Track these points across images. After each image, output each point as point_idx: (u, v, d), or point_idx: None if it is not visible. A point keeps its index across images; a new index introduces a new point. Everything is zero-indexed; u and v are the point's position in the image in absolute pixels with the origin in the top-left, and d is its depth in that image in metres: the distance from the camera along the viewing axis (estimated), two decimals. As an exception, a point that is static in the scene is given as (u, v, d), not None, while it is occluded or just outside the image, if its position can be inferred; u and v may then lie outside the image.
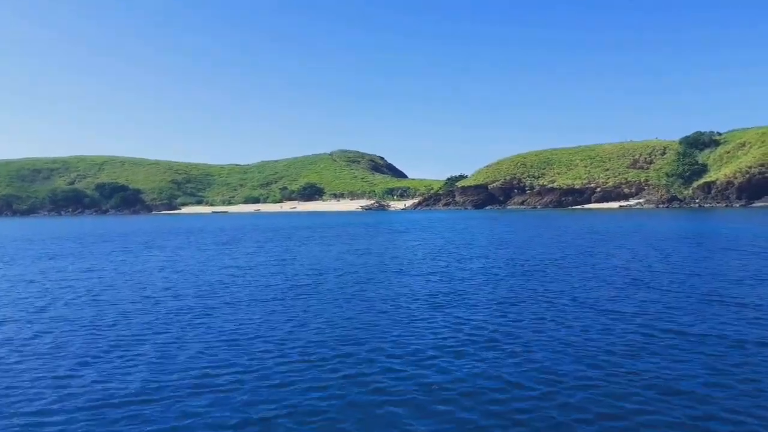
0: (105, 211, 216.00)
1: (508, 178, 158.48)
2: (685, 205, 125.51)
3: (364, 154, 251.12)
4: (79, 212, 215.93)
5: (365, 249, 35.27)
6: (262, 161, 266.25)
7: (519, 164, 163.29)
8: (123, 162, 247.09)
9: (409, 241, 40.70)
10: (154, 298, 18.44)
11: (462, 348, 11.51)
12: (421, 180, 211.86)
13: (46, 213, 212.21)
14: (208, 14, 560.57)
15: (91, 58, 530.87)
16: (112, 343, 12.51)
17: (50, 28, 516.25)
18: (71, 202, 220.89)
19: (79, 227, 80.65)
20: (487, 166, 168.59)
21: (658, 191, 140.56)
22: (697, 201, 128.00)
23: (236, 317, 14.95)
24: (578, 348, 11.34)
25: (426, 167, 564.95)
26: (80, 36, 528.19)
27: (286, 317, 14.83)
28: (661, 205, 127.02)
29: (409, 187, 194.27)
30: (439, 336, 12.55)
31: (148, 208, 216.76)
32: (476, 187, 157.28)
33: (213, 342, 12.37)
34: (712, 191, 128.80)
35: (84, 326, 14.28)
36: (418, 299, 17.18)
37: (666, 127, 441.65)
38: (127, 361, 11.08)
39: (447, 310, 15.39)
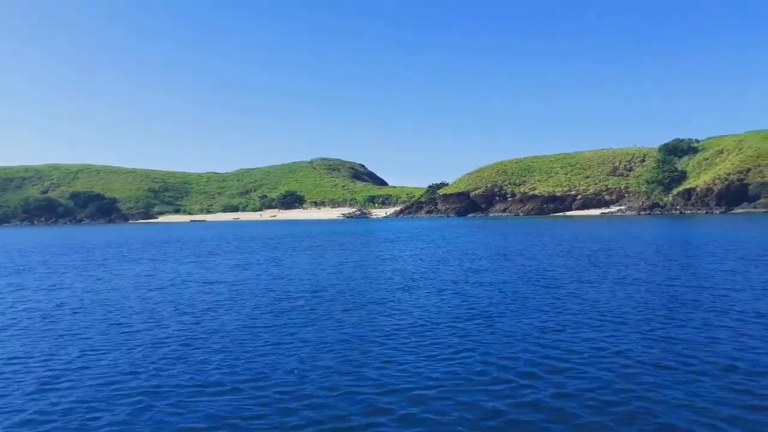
0: (80, 221, 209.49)
1: (489, 185, 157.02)
2: (666, 212, 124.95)
3: (345, 161, 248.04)
4: (52, 222, 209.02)
5: (360, 261, 32.51)
6: (241, 169, 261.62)
7: (500, 172, 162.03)
8: (98, 170, 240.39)
9: (404, 252, 38.03)
10: (125, 325, 15.41)
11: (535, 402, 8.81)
12: (402, 187, 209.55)
13: (18, 223, 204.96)
14: (184, 22, 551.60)
15: (64, 66, 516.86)
16: (68, 392, 9.54)
17: (21, 37, 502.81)
18: (44, 211, 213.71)
19: (50, 238, 76.35)
20: (468, 174, 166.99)
21: (638, 198, 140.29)
22: (677, 208, 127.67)
23: (226, 353, 12.05)
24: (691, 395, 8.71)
25: (406, 175, 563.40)
26: (52, 43, 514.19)
27: (287, 352, 11.98)
28: (642, 212, 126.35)
29: (390, 195, 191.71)
30: (495, 391, 9.81)
31: (125, 218, 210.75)
32: (458, 194, 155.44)
33: (194, 390, 9.50)
34: (692, 198, 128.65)
35: (33, 368, 11.24)
36: (438, 324, 14.45)
37: (644, 134, 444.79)
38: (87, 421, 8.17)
39: (475, 339, 12.70)
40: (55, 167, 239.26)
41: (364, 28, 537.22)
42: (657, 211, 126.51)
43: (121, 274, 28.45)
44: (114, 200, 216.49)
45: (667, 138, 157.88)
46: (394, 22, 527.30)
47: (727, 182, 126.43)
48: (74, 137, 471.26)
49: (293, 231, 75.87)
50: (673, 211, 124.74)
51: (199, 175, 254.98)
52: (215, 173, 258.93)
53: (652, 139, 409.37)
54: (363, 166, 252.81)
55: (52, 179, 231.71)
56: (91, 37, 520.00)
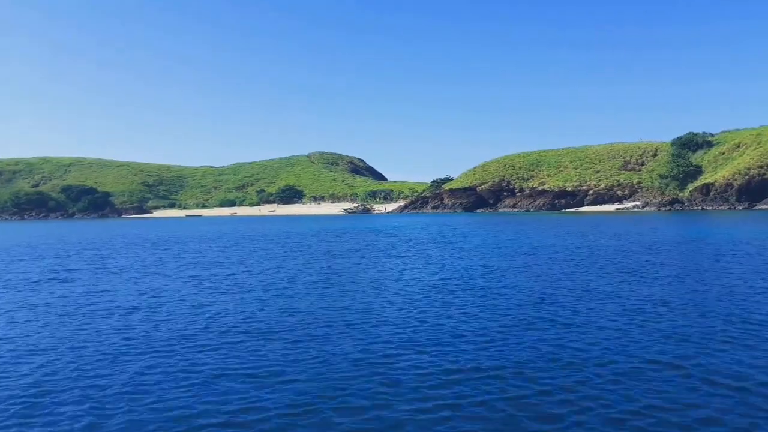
0: (72, 215, 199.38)
1: (497, 180, 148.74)
2: (687, 208, 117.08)
3: (343, 155, 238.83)
4: (43, 216, 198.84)
5: (417, 283, 23.86)
6: (237, 163, 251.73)
7: (507, 166, 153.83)
8: (91, 163, 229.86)
9: (457, 264, 29.37)
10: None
11: None
12: (403, 182, 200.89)
13: (8, 217, 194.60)
14: (179, 12, 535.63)
15: (57, 57, 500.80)
16: None
17: (13, 27, 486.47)
18: (35, 205, 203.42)
19: (29, 233, 67.11)
20: (474, 168, 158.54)
21: (652, 193, 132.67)
22: (695, 203, 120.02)
23: None
24: None
25: (405, 169, 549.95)
26: (44, 34, 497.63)
27: None
28: (663, 208, 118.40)
29: (392, 190, 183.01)
30: None
31: (118, 212, 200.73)
32: (465, 189, 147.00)
33: None
34: (711, 193, 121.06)
35: None
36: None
37: (648, 128, 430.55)
38: None
39: None
40: (47, 160, 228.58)
41: (363, 18, 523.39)
42: (677, 206, 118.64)
43: (77, 299, 19.67)
44: (107, 194, 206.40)
45: (674, 132, 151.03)
46: (394, 9, 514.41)
47: (747, 177, 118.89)
48: (66, 130, 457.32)
49: (298, 228, 67.09)
50: (694, 207, 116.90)
51: (195, 168, 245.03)
52: (211, 167, 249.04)
53: (656, 133, 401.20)
54: (362, 160, 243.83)
55: (43, 172, 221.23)
56: (84, 28, 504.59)
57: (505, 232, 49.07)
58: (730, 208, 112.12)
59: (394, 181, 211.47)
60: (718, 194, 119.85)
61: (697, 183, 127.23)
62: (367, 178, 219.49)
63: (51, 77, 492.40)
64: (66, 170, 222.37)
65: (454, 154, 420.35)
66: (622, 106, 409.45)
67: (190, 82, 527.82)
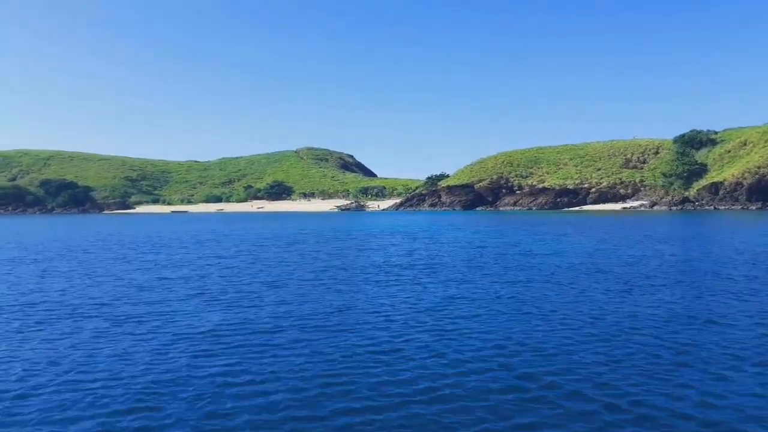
0: (51, 210, 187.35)
1: (495, 177, 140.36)
2: (699, 208, 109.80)
3: (333, 151, 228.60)
4: (21, 211, 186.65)
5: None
6: (223, 158, 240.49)
7: (505, 163, 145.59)
8: (71, 157, 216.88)
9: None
10: None
11: None
12: (395, 179, 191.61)
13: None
14: (164, 2, 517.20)
15: (36, 44, 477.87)
16: None
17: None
18: (12, 200, 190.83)
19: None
20: (471, 165, 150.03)
21: (655, 192, 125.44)
22: (704, 203, 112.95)
23: None
24: None
25: (395, 166, 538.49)
26: (23, 21, 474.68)
27: None
28: (673, 207, 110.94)
29: (384, 187, 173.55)
30: None
31: (99, 207, 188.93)
32: (463, 186, 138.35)
33: None
34: (720, 192, 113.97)
35: None
36: None
37: (645, 125, 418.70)
38: None
39: None
40: (25, 153, 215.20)
41: (353, 10, 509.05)
42: (688, 206, 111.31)
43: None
44: (88, 189, 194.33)
45: (668, 129, 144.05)
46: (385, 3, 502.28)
47: (758, 176, 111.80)
48: (46, 122, 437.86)
49: (297, 226, 57.73)
50: (706, 207, 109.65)
51: (180, 163, 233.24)
52: (196, 161, 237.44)
53: (650, 130, 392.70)
54: (352, 156, 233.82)
55: (21, 166, 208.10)
56: (65, 15, 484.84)
57: (574, 241, 40.24)
58: (743, 208, 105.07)
59: (386, 178, 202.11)
60: (727, 193, 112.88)
61: (704, 182, 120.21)
62: (357, 174, 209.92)
63: (30, 67, 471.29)
64: (45, 164, 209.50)
65: (445, 151, 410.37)
66: (617, 103, 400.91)
67: (175, 74, 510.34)
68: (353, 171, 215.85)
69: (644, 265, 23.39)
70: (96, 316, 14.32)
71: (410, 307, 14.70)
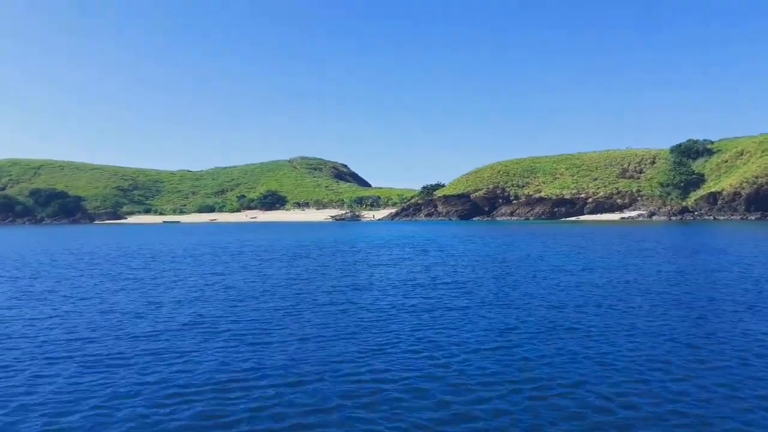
0: (40, 220, 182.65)
1: (491, 186, 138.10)
2: (698, 218, 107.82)
3: (326, 161, 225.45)
4: (9, 221, 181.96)
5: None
6: (215, 167, 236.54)
7: (501, 172, 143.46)
8: (62, 166, 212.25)
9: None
10: None
11: None
12: (390, 189, 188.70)
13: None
14: (158, 12, 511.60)
15: (26, 53, 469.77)
16: None
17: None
18: (1, 210, 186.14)
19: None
20: (466, 174, 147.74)
21: (653, 202, 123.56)
22: (703, 212, 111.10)
23: None
24: None
25: (388, 176, 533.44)
26: (15, 30, 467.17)
27: None
28: (673, 218, 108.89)
29: (379, 197, 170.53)
30: None
31: (90, 218, 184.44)
32: (459, 196, 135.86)
33: None
34: (719, 202, 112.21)
35: None
36: None
37: (639, 135, 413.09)
38: None
39: None
40: (15, 162, 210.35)
41: (347, 21, 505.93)
42: (688, 216, 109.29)
43: None
44: (79, 199, 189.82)
45: (663, 139, 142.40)
46: (381, 14, 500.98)
47: (756, 186, 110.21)
48: (36, 131, 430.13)
49: (308, 237, 54.50)
50: (705, 217, 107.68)
51: (172, 173, 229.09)
52: (188, 171, 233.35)
53: (644, 140, 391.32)
54: (345, 166, 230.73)
55: (10, 175, 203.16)
56: (57, 25, 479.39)
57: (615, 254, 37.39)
58: (742, 218, 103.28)
59: (380, 188, 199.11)
60: (726, 203, 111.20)
61: (702, 192, 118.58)
62: (351, 184, 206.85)
63: (21, 76, 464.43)
64: (35, 173, 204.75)
65: (440, 161, 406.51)
66: (612, 113, 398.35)
67: (167, 83, 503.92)
68: (347, 181, 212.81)
69: (693, 283, 20.55)
70: (65, 358, 11.22)
71: (460, 346, 11.72)
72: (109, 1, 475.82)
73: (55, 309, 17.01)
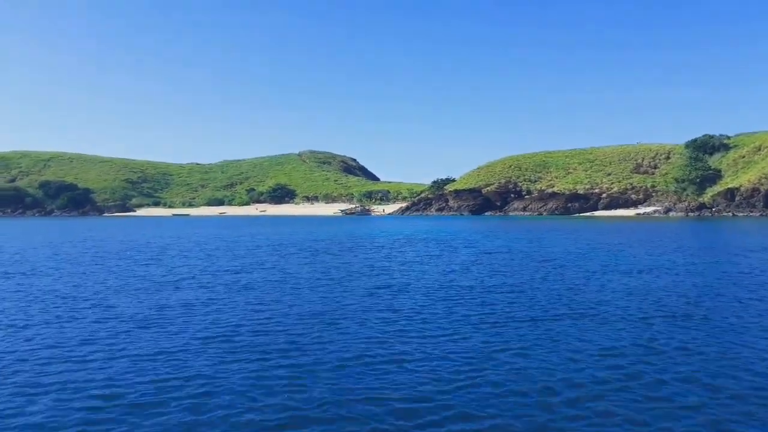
0: (50, 212, 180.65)
1: (503, 181, 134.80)
2: (717, 214, 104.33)
3: (335, 155, 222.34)
4: (19, 213, 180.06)
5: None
6: (225, 160, 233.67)
7: (512, 167, 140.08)
8: (72, 159, 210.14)
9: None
10: None
11: None
12: (399, 183, 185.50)
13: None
14: (167, 6, 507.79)
15: (36, 47, 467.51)
16: None
17: None
18: (11, 201, 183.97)
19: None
20: (477, 169, 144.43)
21: (668, 198, 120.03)
22: (720, 209, 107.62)
23: None
24: None
25: (397, 170, 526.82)
26: (26, 26, 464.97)
27: None
28: (690, 214, 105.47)
29: (389, 191, 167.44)
30: None
31: (99, 210, 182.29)
32: (470, 190, 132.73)
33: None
34: (736, 198, 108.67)
35: None
36: None
37: (656, 130, 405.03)
38: None
39: None
40: (25, 154, 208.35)
41: (358, 16, 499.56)
42: (706, 212, 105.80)
43: None
44: (88, 191, 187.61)
45: (681, 134, 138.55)
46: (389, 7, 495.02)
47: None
48: (46, 123, 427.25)
49: (323, 232, 51.69)
50: (724, 213, 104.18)
51: (181, 166, 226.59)
52: (198, 164, 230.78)
53: (662, 135, 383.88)
54: (354, 160, 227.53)
55: (20, 167, 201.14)
56: (67, 19, 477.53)
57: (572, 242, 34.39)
58: (761, 215, 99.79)
59: (389, 182, 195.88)
60: (744, 199, 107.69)
61: (719, 188, 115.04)
62: (360, 178, 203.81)
63: (32, 69, 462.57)
64: (45, 165, 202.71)
65: (448, 155, 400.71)
66: (625, 108, 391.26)
67: (176, 76, 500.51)
68: (356, 174, 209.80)
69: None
70: (49, 387, 8.45)
71: (573, 384, 8.86)
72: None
73: (43, 314, 14.27)
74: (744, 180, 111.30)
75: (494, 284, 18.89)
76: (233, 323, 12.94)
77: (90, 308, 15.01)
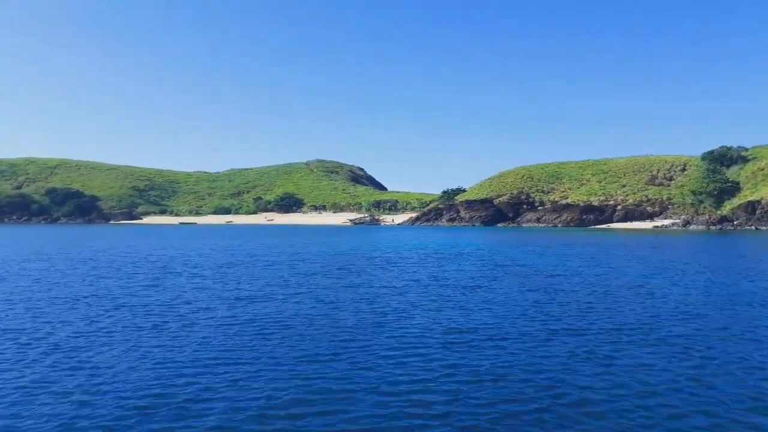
0: (56, 220, 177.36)
1: (515, 192, 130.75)
2: (739, 228, 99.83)
3: (343, 164, 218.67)
4: (25, 220, 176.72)
5: None
6: (232, 169, 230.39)
7: (525, 177, 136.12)
8: (78, 166, 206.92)
9: None
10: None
11: None
12: (407, 193, 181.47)
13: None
14: (174, 12, 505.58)
15: (44, 53, 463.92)
16: None
17: None
18: (17, 208, 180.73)
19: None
20: (489, 179, 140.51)
21: (684, 210, 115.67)
22: (741, 222, 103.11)
23: None
24: None
25: (404, 180, 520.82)
26: (32, 30, 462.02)
27: None
28: (712, 227, 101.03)
29: (397, 201, 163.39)
30: None
31: (106, 217, 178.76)
32: (482, 201, 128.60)
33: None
34: (757, 212, 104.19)
35: None
36: None
37: (669, 142, 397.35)
38: None
39: None
40: (31, 161, 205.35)
41: (366, 23, 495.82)
42: (728, 226, 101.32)
43: None
44: (94, 198, 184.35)
45: (694, 145, 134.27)
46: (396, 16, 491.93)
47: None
48: (53, 130, 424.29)
49: (340, 243, 47.52)
50: (747, 227, 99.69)
51: (188, 174, 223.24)
52: (205, 172, 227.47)
53: (667, 146, 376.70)
54: (362, 169, 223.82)
55: (27, 174, 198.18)
56: (74, 25, 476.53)
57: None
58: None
59: (397, 191, 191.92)
60: (765, 213, 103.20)
61: (737, 200, 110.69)
62: (368, 187, 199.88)
63: (38, 75, 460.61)
64: (51, 172, 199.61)
65: (456, 166, 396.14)
66: (631, 119, 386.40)
67: (184, 83, 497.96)
68: (364, 184, 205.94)
69: None
70: None
71: None
72: (122, 3, 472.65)
73: None
74: (765, 192, 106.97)
75: (567, 306, 14.63)
76: (262, 385, 8.73)
77: (57, 357, 10.82)
